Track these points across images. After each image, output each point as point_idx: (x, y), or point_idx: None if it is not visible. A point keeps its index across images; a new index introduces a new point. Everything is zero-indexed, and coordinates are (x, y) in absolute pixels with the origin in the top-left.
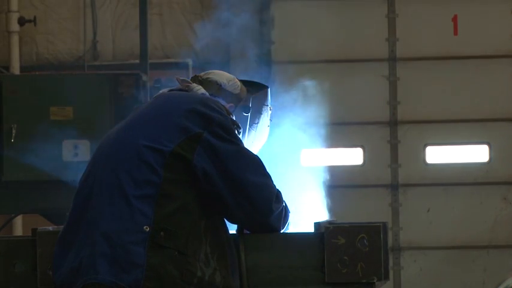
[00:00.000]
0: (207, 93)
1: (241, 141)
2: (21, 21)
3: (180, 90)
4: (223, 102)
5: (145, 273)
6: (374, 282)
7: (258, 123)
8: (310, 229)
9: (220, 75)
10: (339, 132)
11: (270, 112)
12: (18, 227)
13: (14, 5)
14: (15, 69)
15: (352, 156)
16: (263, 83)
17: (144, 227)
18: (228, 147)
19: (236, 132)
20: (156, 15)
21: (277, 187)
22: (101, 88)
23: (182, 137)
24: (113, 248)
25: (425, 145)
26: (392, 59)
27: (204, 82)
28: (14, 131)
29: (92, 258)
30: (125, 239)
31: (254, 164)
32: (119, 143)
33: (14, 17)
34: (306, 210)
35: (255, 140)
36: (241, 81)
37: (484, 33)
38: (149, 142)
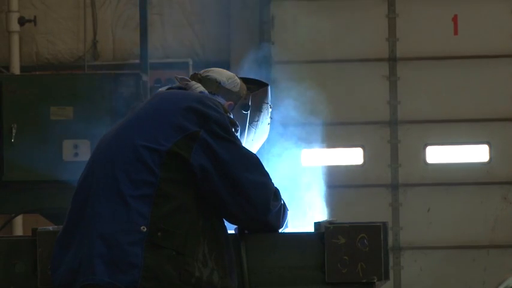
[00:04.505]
0: (206, 91)
1: (238, 139)
2: (21, 21)
3: (179, 88)
4: (222, 100)
5: (143, 273)
6: (374, 282)
7: (257, 121)
8: (310, 229)
9: (220, 73)
10: (339, 132)
11: (270, 110)
12: (18, 227)
13: (14, 5)
14: (15, 69)
15: (352, 156)
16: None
17: (142, 227)
18: (226, 146)
19: (234, 130)
20: (156, 15)
21: (275, 186)
22: (101, 88)
23: (179, 136)
24: (110, 249)
25: (425, 145)
26: (392, 59)
27: (203, 80)
28: (14, 131)
29: (90, 259)
30: (122, 239)
31: (252, 162)
32: (116, 143)
33: (14, 17)
34: (306, 210)
35: (255, 138)
36: (241, 79)
37: (484, 33)
38: (146, 142)
